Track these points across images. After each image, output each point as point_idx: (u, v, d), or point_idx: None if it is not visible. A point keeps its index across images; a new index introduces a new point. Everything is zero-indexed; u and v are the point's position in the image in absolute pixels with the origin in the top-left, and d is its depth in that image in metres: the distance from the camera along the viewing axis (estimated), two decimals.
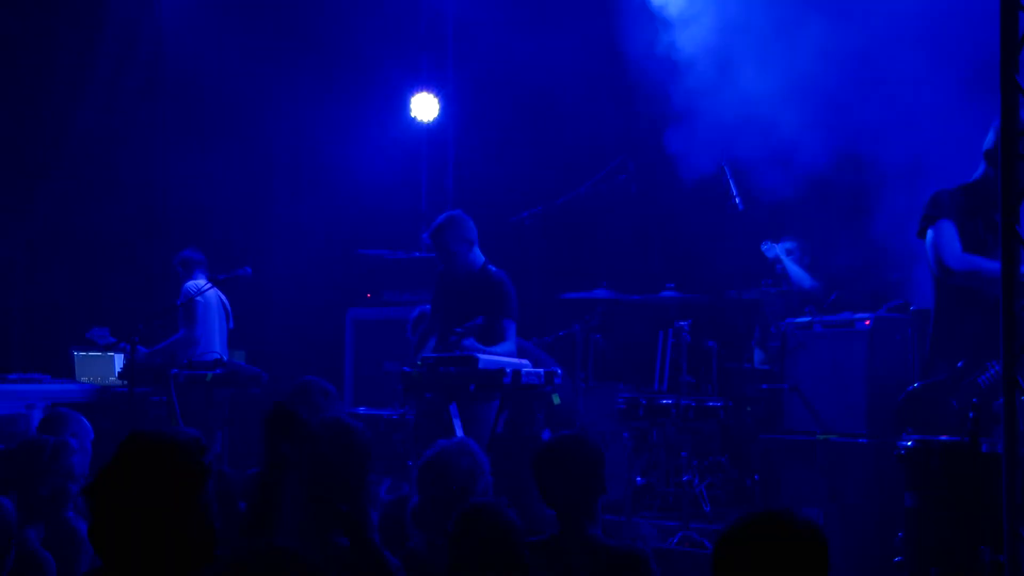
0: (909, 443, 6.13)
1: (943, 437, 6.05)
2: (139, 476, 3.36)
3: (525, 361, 8.33)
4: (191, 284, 10.60)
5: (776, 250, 10.65)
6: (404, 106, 13.28)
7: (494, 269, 9.09)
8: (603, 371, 10.82)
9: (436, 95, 13.32)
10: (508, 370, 7.86)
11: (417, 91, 13.28)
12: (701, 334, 10.18)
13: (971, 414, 5.69)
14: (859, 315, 8.45)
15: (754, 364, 10.27)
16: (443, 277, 9.29)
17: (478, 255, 9.15)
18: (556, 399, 8.27)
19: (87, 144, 12.27)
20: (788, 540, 3.40)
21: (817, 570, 3.41)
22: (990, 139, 6.77)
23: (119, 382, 10.14)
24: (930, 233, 6.85)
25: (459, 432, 8.08)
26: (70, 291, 12.62)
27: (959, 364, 6.59)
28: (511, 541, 4.77)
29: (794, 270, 10.54)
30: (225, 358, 9.99)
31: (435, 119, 13.36)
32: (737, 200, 9.66)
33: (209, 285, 10.48)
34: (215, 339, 10.59)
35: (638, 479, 9.63)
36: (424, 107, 13.27)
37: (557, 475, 5.41)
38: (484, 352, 8.38)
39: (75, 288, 12.62)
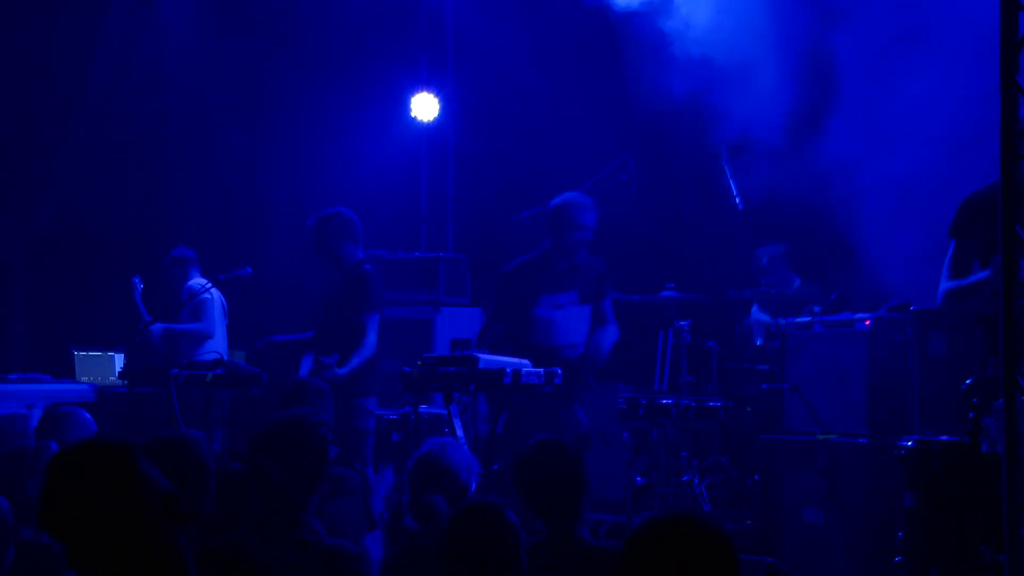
0: (909, 443, 6.14)
1: (943, 437, 6.06)
2: (71, 493, 3.19)
3: (525, 361, 8.33)
4: (195, 283, 10.59)
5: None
6: (404, 106, 13.27)
7: (368, 267, 9.31)
8: (603, 371, 10.79)
9: (436, 95, 13.31)
10: (508, 370, 7.85)
11: (417, 91, 13.27)
12: (701, 334, 10.18)
13: (971, 414, 5.69)
14: (859, 315, 8.46)
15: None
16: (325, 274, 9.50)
17: (355, 252, 9.30)
18: None
19: (87, 144, 12.26)
20: (696, 543, 3.37)
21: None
22: None
23: (119, 382, 10.13)
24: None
25: (459, 433, 8.09)
26: (70, 291, 12.61)
27: None
28: (509, 542, 4.71)
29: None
30: (225, 358, 9.97)
31: (435, 119, 13.35)
32: (737, 200, 9.66)
33: (210, 284, 10.47)
34: (220, 338, 10.61)
35: (638, 479, 9.63)
36: (424, 107, 13.25)
37: (539, 481, 5.38)
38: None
39: (75, 288, 12.61)
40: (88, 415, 7.26)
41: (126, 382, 9.53)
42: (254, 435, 5.23)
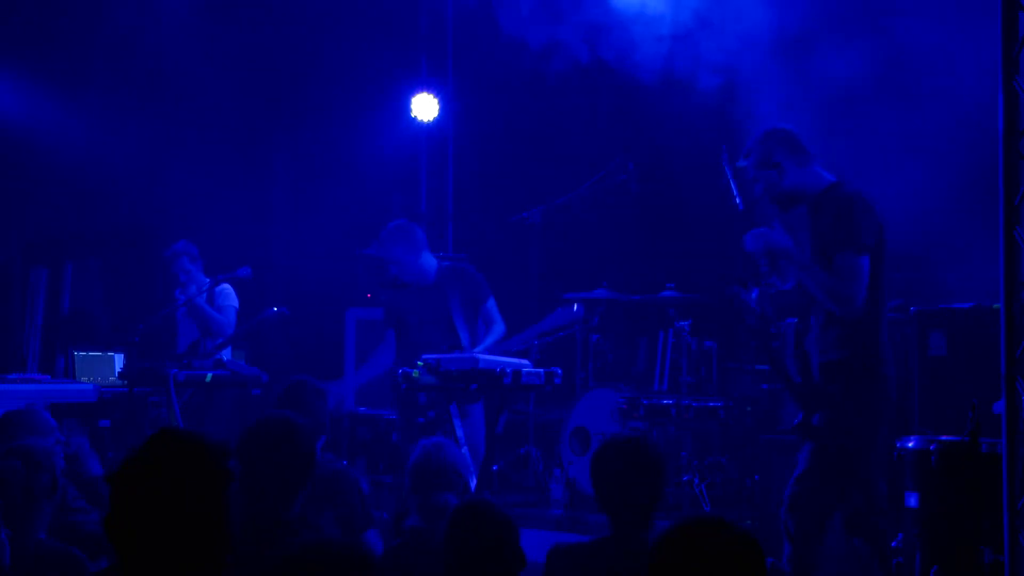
0: (910, 443, 6.14)
1: (944, 437, 6.06)
2: (168, 471, 3.35)
3: (525, 361, 8.32)
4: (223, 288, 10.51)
5: None
6: (404, 106, 13.25)
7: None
8: (603, 371, 10.80)
9: (436, 95, 13.29)
10: (508, 370, 7.84)
11: (418, 91, 13.25)
12: (701, 334, 10.17)
13: (970, 413, 5.69)
14: None
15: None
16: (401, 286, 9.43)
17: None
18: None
19: (86, 143, 12.23)
20: (725, 547, 3.40)
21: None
22: None
23: (119, 382, 10.10)
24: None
25: (459, 432, 8.09)
26: (71, 291, 12.59)
27: None
28: (505, 537, 4.74)
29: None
30: (226, 358, 9.95)
31: (435, 119, 13.34)
32: (738, 200, 9.63)
33: (208, 283, 10.42)
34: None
35: None
36: (424, 107, 13.24)
37: (614, 477, 5.25)
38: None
39: (75, 287, 12.59)
40: (46, 414, 7.14)
41: (126, 382, 9.51)
42: (241, 434, 5.22)
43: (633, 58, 9.73)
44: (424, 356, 8.34)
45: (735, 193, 9.58)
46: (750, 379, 9.76)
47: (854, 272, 6.37)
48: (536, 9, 10.31)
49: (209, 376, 9.25)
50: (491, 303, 9.13)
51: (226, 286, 10.34)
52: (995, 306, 5.80)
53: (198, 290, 10.33)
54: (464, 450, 7.83)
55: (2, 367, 10.75)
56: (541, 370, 8.07)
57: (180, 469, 3.37)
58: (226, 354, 9.97)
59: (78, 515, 6.34)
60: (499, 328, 9.06)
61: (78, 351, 11.16)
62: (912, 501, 6.10)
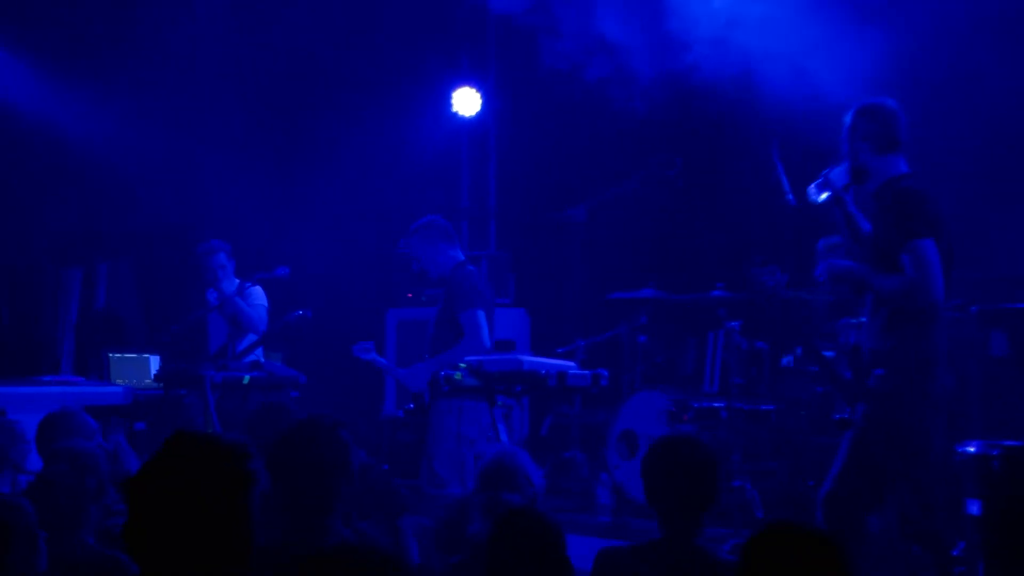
0: (971, 448, 5.97)
1: (1007, 441, 5.90)
2: (184, 475, 3.32)
3: (571, 363, 8.19)
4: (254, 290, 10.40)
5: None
6: (446, 101, 13.18)
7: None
8: (651, 373, 10.66)
9: (477, 90, 13.20)
10: (553, 372, 7.69)
11: (459, 86, 13.17)
12: (752, 335, 9.99)
13: None
14: None
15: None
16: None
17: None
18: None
19: (120, 141, 12.19)
20: (813, 550, 3.50)
21: None
22: None
23: (154, 384, 10.03)
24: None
25: (503, 435, 7.95)
26: (105, 292, 12.59)
27: None
28: (552, 545, 4.66)
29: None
30: (263, 360, 9.85)
31: (477, 114, 13.25)
32: (789, 196, 9.41)
33: (249, 284, 10.31)
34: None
35: None
36: (466, 102, 13.14)
37: (665, 477, 5.12)
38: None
39: (111, 290, 12.59)
40: (87, 416, 6.99)
41: (161, 385, 9.42)
42: (275, 439, 5.09)
43: (681, 53, 9.59)
44: (466, 358, 8.19)
45: (786, 188, 9.37)
46: (803, 381, 9.57)
47: (925, 260, 6.23)
48: (579, 5, 10.21)
49: (247, 378, 9.19)
50: (466, 315, 8.70)
51: (257, 288, 10.24)
52: None
53: (230, 288, 10.25)
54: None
55: (36, 369, 10.71)
56: (587, 372, 7.97)
57: (196, 472, 3.35)
58: (261, 355, 9.88)
59: (119, 518, 6.21)
60: (463, 344, 8.62)
61: (112, 353, 11.12)
62: (974, 508, 5.95)
